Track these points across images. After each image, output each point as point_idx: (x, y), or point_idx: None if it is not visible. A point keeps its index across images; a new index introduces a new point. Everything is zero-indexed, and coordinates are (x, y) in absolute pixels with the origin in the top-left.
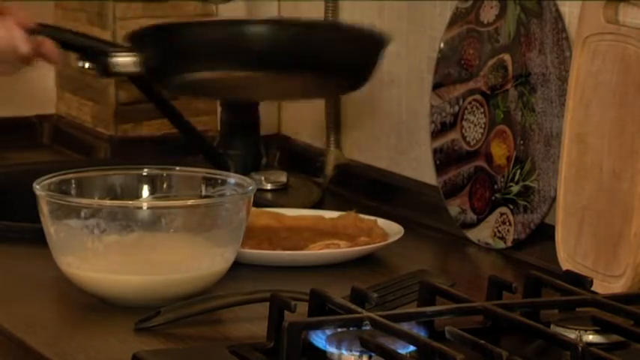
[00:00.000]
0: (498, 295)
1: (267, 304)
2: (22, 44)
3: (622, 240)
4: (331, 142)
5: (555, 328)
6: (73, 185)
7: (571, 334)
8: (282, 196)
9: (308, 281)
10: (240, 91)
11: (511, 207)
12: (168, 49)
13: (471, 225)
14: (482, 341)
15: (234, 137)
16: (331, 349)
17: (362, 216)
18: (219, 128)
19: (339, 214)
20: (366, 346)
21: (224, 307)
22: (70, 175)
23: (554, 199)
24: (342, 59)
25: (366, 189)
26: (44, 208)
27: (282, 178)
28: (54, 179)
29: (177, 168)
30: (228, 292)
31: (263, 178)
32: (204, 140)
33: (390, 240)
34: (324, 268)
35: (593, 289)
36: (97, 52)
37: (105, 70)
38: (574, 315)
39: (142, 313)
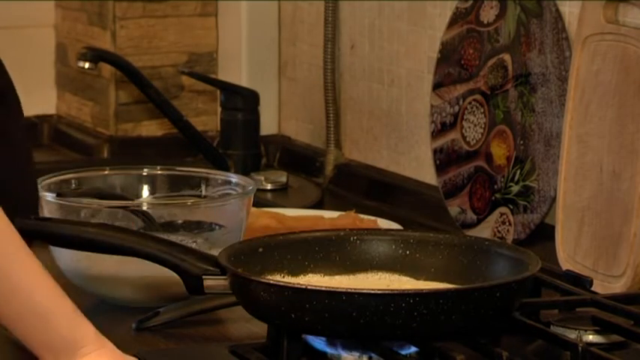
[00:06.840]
0: None
1: None
2: None
3: (622, 240)
4: (331, 142)
5: (555, 328)
6: (73, 185)
7: (571, 334)
8: (282, 196)
9: None
10: None
11: (511, 207)
12: None
13: (471, 225)
14: (483, 341)
15: (234, 137)
16: (331, 351)
17: (362, 216)
18: (219, 128)
19: (339, 214)
20: (366, 346)
21: (224, 307)
22: (70, 175)
23: (554, 199)
24: None
25: (366, 189)
26: (44, 209)
27: (282, 178)
28: (54, 179)
29: (178, 168)
30: (227, 292)
31: (263, 178)
32: (204, 140)
33: None
34: None
35: (593, 289)
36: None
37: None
38: (574, 315)
39: (142, 313)
